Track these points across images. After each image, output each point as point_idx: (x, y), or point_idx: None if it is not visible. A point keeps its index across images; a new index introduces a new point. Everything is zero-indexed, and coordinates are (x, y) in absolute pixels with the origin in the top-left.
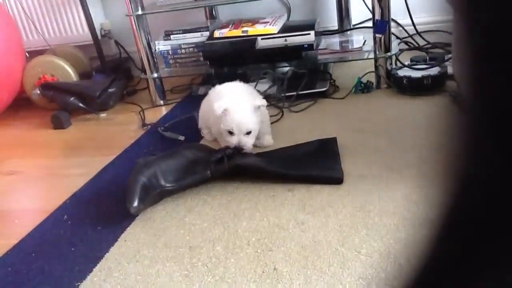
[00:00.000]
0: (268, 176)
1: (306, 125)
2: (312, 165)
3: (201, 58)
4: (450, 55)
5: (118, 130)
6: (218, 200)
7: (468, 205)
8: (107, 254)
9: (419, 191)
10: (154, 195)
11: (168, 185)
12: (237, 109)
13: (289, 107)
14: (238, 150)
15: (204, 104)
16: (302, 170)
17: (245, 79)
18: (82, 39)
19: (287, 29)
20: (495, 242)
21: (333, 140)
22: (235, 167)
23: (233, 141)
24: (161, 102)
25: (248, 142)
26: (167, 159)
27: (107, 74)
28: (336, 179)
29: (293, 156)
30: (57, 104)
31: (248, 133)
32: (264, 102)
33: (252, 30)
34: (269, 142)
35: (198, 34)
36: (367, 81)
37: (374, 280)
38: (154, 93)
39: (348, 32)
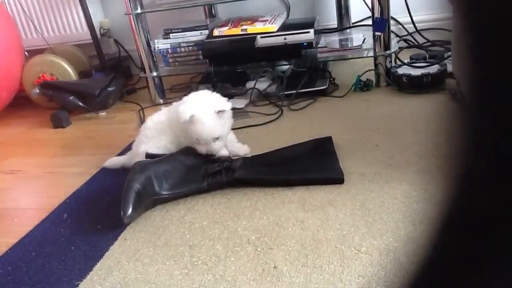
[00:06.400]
0: (268, 184)
1: (306, 124)
2: (312, 167)
3: (201, 57)
4: (449, 53)
5: (118, 129)
6: (218, 199)
7: (468, 203)
8: (107, 252)
9: (418, 188)
10: (148, 203)
11: (163, 192)
12: (198, 117)
13: (289, 105)
14: (221, 160)
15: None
16: (302, 173)
17: (244, 78)
18: (82, 38)
19: (287, 27)
20: (496, 240)
21: (329, 139)
22: (233, 181)
23: (201, 150)
24: (161, 101)
25: (217, 149)
26: (163, 164)
27: (106, 73)
28: (337, 180)
29: (290, 158)
30: (57, 103)
31: (216, 139)
32: (228, 106)
33: (251, 29)
34: (245, 150)
35: (198, 32)
36: (367, 79)
37: (374, 278)
38: (154, 92)
39: (348, 30)
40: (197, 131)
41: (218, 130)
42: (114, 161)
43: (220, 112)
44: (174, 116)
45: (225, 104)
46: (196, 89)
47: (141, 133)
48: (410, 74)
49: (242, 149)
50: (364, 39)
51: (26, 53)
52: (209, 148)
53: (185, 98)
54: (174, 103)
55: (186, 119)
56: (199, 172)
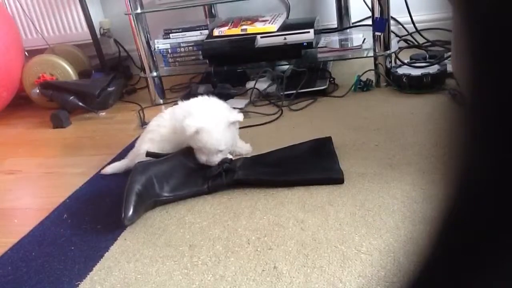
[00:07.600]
0: (268, 185)
1: (306, 124)
2: (311, 167)
3: (201, 57)
4: (449, 53)
5: (118, 129)
6: (218, 199)
7: (468, 203)
8: (106, 253)
9: (419, 188)
10: (148, 205)
11: (164, 194)
12: (208, 130)
13: (289, 105)
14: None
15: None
16: (302, 173)
17: (244, 78)
18: (81, 37)
19: (287, 27)
20: (496, 240)
21: (328, 140)
22: (233, 182)
23: (201, 158)
24: (161, 101)
25: (216, 160)
26: (164, 164)
27: (106, 73)
28: (337, 180)
29: (290, 158)
30: (57, 103)
31: (220, 151)
32: (241, 117)
33: (251, 29)
34: (247, 149)
35: (197, 32)
36: (367, 79)
37: (374, 278)
38: (154, 92)
39: (348, 30)
40: (203, 141)
41: (225, 143)
42: (114, 168)
43: (232, 123)
44: (178, 127)
45: (238, 115)
46: (196, 89)
47: (145, 135)
48: (410, 74)
49: (244, 148)
50: (364, 39)
51: (26, 53)
52: (210, 159)
53: (191, 109)
54: (179, 102)
55: (191, 133)
56: (199, 174)
